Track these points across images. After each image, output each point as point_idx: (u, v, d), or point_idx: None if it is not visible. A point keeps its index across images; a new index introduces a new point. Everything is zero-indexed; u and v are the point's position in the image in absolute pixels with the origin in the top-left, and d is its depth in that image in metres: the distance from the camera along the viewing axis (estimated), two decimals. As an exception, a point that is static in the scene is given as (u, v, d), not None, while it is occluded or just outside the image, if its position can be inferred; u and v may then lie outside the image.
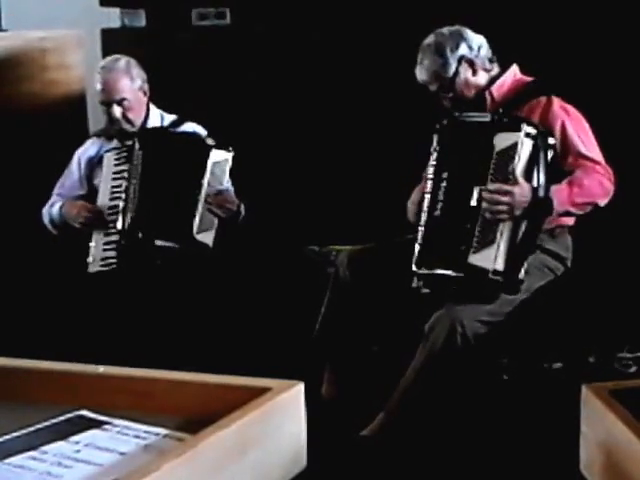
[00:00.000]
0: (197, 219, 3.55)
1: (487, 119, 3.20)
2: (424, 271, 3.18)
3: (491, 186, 3.08)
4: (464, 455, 3.09)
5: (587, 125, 3.26)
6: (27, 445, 1.42)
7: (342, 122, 4.37)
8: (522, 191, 3.06)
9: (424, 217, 3.22)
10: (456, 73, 3.30)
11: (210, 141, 3.62)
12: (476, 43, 3.33)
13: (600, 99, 3.80)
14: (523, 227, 3.11)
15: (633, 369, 3.43)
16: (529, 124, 3.12)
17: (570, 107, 3.26)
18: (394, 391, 3.19)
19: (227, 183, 3.67)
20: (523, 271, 3.11)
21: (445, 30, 3.35)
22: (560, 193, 3.11)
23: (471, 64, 3.31)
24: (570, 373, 3.36)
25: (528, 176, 3.09)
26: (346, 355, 3.46)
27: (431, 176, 3.23)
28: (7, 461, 1.38)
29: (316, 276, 3.92)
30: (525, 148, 3.08)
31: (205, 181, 3.57)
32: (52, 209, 3.75)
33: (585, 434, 1.53)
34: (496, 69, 3.37)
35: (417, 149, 3.37)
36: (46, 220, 3.77)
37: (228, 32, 4.56)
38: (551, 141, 3.14)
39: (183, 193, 3.58)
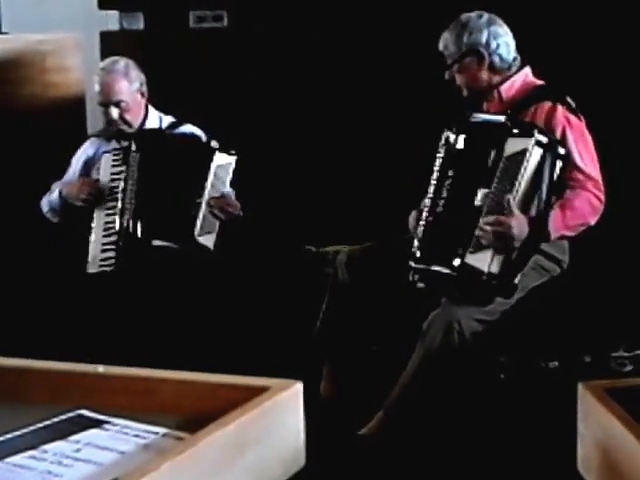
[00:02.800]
0: (199, 222, 3.56)
1: (500, 121, 3.17)
2: (420, 266, 3.19)
3: (490, 218, 3.06)
4: (462, 453, 3.10)
5: (589, 139, 3.24)
6: (27, 444, 1.43)
7: (339, 123, 4.38)
8: (519, 226, 3.04)
9: (425, 212, 3.22)
10: (462, 57, 3.28)
11: (214, 144, 3.63)
12: (497, 41, 3.29)
13: (608, 105, 3.82)
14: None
15: (629, 368, 3.43)
16: (541, 132, 3.09)
17: (574, 118, 3.23)
18: (392, 390, 3.21)
19: (228, 187, 3.68)
20: (519, 276, 3.12)
21: (484, 14, 3.32)
22: (555, 220, 3.12)
23: (480, 56, 3.28)
24: (566, 372, 3.37)
25: (533, 187, 3.07)
26: (345, 354, 3.47)
27: (437, 172, 3.22)
28: (7, 460, 1.38)
29: (314, 276, 3.93)
30: (534, 156, 3.06)
31: (208, 184, 3.58)
32: (51, 196, 3.76)
33: (582, 432, 1.54)
34: (511, 71, 3.33)
35: (415, 150, 3.38)
36: (45, 209, 3.78)
37: (225, 34, 4.58)
38: (561, 151, 3.11)
39: (185, 195, 3.59)
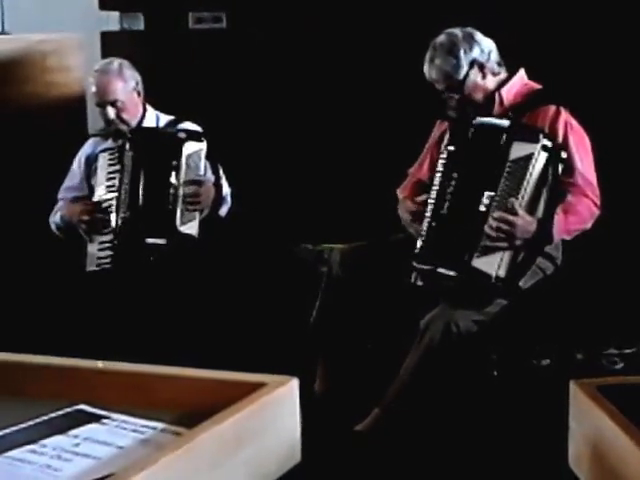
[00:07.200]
0: (178, 212, 3.60)
1: (505, 125, 3.17)
2: (424, 267, 3.19)
3: (496, 214, 3.08)
4: (456, 450, 3.11)
5: (588, 143, 3.26)
6: (27, 439, 1.43)
7: (334, 121, 4.41)
8: (525, 224, 3.06)
9: (429, 213, 3.21)
10: (466, 76, 3.27)
11: (182, 135, 3.66)
12: (487, 47, 3.32)
13: (604, 106, 3.83)
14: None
15: (620, 365, 3.45)
16: (546, 137, 3.11)
17: (575, 122, 3.25)
18: (389, 388, 3.22)
19: (206, 172, 3.68)
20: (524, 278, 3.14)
21: (458, 31, 3.32)
22: (558, 224, 3.14)
23: (481, 68, 3.29)
24: (558, 370, 3.39)
25: (538, 191, 3.09)
26: (339, 352, 3.48)
27: (440, 173, 3.22)
28: (7, 454, 1.39)
29: (309, 274, 3.95)
30: (540, 161, 3.07)
31: (182, 174, 3.61)
32: (55, 217, 3.81)
33: (573, 429, 1.54)
34: (504, 73, 3.36)
35: (409, 148, 3.40)
36: (53, 228, 3.84)
37: (224, 35, 4.62)
38: (564, 155, 3.13)
39: (163, 189, 3.61)
